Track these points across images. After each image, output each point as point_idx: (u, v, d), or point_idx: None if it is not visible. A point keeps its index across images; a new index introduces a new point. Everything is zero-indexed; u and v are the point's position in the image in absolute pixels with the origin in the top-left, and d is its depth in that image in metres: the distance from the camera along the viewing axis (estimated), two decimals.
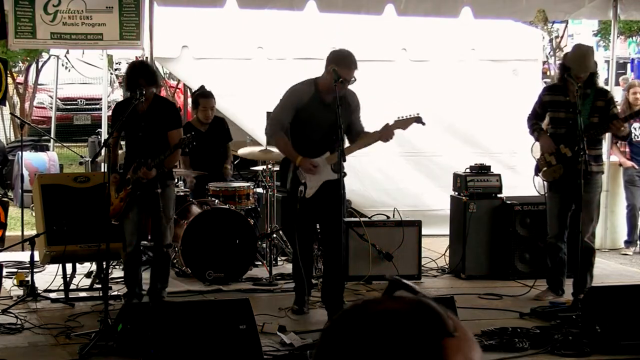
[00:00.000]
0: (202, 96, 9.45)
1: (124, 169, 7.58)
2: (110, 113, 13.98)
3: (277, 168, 8.91)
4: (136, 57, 15.21)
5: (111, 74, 17.58)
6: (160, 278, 7.69)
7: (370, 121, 7.95)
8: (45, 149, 14.84)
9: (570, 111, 7.75)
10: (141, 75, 7.39)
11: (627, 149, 10.66)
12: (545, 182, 8.07)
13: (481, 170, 9.14)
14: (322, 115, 7.27)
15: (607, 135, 10.86)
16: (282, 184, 7.94)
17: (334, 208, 7.20)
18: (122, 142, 8.10)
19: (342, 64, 7.24)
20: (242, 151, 9.63)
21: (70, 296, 7.92)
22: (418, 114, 7.42)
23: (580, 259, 7.67)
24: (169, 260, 7.82)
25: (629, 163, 10.64)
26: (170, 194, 7.67)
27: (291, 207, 7.50)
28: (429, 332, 1.46)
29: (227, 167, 9.62)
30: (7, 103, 13.49)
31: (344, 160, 7.10)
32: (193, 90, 9.87)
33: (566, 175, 7.85)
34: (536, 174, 8.15)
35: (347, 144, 7.43)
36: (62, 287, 7.96)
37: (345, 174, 7.12)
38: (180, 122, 7.75)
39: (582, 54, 7.93)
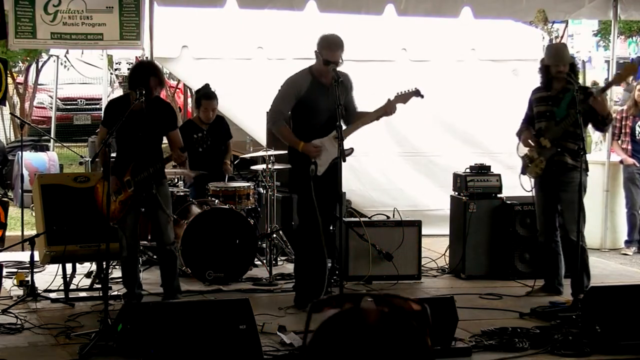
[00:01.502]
0: (205, 97, 9.41)
1: (118, 170, 7.48)
2: None
3: (277, 167, 8.93)
4: (136, 57, 15.23)
5: (111, 74, 17.60)
6: (171, 277, 7.67)
7: None
8: (45, 149, 14.84)
9: (550, 104, 7.99)
10: (152, 74, 7.39)
11: (629, 147, 10.66)
12: (532, 180, 8.15)
13: (481, 170, 9.15)
14: (323, 99, 7.57)
15: (608, 135, 10.89)
16: (295, 168, 7.89)
17: (335, 190, 7.50)
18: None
19: (325, 47, 7.58)
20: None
21: (70, 296, 7.91)
22: (416, 88, 7.67)
23: (572, 259, 7.79)
24: (175, 259, 7.78)
25: (630, 160, 10.63)
26: (166, 191, 7.67)
27: (304, 189, 7.59)
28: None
29: (227, 163, 9.60)
30: (7, 103, 13.49)
31: (342, 145, 7.27)
32: (197, 89, 9.82)
33: (548, 169, 7.95)
34: (522, 172, 8.25)
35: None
36: (62, 287, 7.95)
37: (351, 150, 7.39)
38: (177, 123, 7.72)
39: (557, 47, 8.27)
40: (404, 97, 7.67)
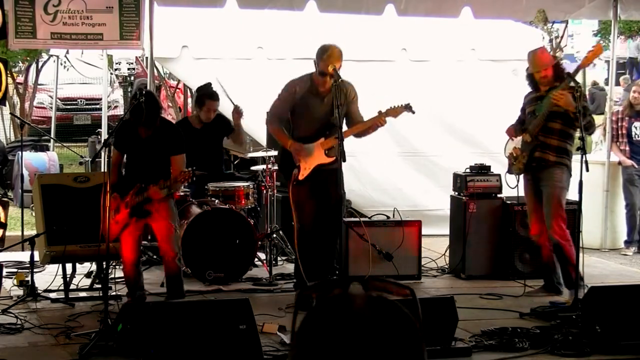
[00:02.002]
0: (210, 97, 9.35)
1: (123, 190, 7.47)
2: (110, 113, 14.00)
3: (277, 167, 8.93)
4: (136, 57, 15.24)
5: (111, 74, 17.57)
6: (176, 287, 7.66)
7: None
8: (45, 149, 14.84)
9: (538, 102, 8.03)
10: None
11: (627, 148, 10.67)
12: (517, 177, 8.19)
13: (481, 170, 9.15)
14: (317, 106, 7.73)
15: (608, 135, 10.89)
16: (282, 170, 8.24)
17: (330, 194, 7.65)
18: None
19: (320, 57, 7.66)
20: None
21: (70, 296, 7.91)
22: (409, 103, 7.74)
23: (557, 254, 7.93)
24: (180, 271, 7.74)
25: (629, 162, 10.64)
26: (170, 205, 7.65)
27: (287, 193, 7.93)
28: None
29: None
30: (7, 103, 13.49)
31: (341, 146, 7.39)
32: (198, 86, 9.75)
33: (529, 164, 8.02)
34: (509, 172, 8.32)
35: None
36: (62, 287, 7.95)
37: (344, 159, 7.39)
38: (184, 147, 7.64)
39: (533, 54, 8.17)
40: (394, 111, 7.75)
